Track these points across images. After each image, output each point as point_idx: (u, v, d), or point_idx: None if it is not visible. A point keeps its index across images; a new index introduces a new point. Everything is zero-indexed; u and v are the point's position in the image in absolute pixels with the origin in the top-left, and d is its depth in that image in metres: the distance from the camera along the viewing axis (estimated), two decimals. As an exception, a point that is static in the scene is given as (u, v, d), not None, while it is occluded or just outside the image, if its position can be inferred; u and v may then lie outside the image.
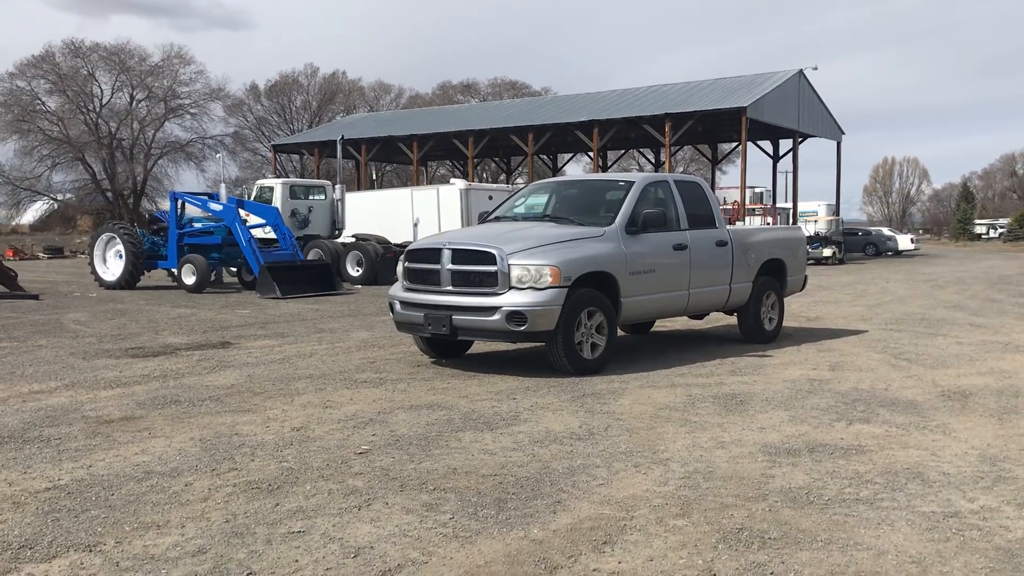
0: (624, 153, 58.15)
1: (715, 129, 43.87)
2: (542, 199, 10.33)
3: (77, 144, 63.04)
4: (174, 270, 20.47)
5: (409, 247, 9.24)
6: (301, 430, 6.11)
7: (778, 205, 45.94)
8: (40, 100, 63.92)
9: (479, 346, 9.99)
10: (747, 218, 37.53)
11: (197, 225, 20.97)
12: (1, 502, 4.55)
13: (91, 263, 20.88)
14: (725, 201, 41.90)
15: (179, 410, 6.79)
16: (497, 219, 9.95)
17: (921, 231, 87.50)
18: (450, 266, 8.42)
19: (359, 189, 45.86)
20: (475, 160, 49.56)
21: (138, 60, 65.78)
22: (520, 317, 7.99)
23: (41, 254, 45.62)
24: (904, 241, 49.60)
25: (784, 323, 11.34)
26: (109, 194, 65.57)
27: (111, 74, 65.40)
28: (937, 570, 3.68)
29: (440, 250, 8.55)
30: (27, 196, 65.94)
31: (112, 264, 20.58)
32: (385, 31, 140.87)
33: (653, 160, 53.36)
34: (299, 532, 4.11)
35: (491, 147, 49.11)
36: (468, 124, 46.30)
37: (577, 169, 66.11)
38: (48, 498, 4.62)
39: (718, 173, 54.96)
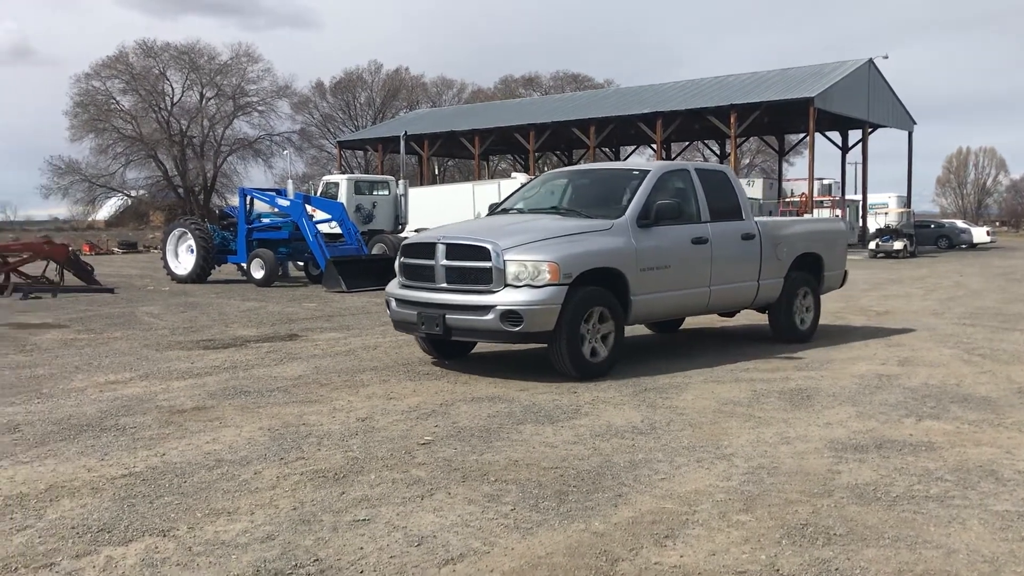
0: (688, 145, 57.56)
1: (782, 120, 43.07)
2: (554, 190, 9.64)
3: (149, 142, 64.83)
4: (243, 264, 20.91)
5: (404, 241, 8.78)
6: (366, 420, 6.21)
7: (847, 197, 45.00)
8: (114, 99, 65.92)
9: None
10: (815, 210, 36.84)
11: (265, 220, 21.33)
12: (80, 487, 4.73)
13: (163, 258, 21.40)
14: (792, 193, 41.19)
15: (248, 400, 6.96)
16: (504, 211, 9.36)
17: (997, 223, 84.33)
18: (444, 262, 7.88)
19: (422, 184, 46.32)
20: (536, 154, 49.58)
21: (207, 59, 67.39)
22: (516, 317, 7.43)
23: (116, 249, 46.87)
24: (979, 234, 47.88)
25: (852, 318, 11.11)
26: (180, 190, 67.31)
27: (182, 73, 67.13)
28: (1011, 570, 3.58)
29: (434, 245, 8.01)
30: (102, 193, 68.11)
31: (184, 258, 21.07)
32: (447, 27, 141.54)
33: (718, 152, 52.67)
34: (364, 520, 4.18)
35: (553, 140, 49.10)
36: (529, 118, 46.35)
37: (641, 161, 65.50)
38: (124, 484, 4.78)
39: (785, 164, 54.09)
